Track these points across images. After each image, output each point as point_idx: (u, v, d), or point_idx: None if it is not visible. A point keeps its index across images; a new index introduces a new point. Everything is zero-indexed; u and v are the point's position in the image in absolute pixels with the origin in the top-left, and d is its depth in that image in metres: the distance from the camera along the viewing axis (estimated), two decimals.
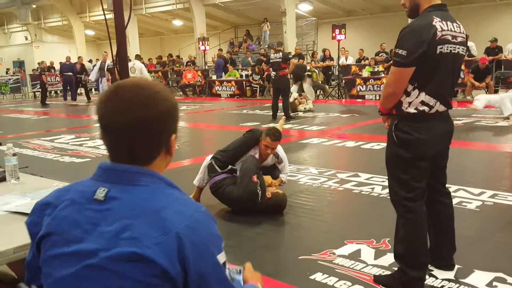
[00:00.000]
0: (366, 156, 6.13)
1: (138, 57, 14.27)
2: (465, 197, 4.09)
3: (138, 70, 12.82)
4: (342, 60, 14.89)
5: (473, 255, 2.95)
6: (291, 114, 10.23)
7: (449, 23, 2.36)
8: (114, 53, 2.23)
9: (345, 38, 13.97)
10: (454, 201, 3.93)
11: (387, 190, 4.07)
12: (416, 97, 2.39)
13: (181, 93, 17.91)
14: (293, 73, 11.14)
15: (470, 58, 12.40)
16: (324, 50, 16.10)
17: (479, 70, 10.88)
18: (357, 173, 5.07)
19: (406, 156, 2.45)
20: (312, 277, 2.74)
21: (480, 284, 2.57)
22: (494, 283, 2.58)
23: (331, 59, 15.19)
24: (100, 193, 1.05)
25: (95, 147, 7.27)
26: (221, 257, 1.03)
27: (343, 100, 13.68)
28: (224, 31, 24.43)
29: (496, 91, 11.44)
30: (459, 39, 2.40)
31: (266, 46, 18.86)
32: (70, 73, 16.68)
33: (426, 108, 2.39)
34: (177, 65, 19.44)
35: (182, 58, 20.38)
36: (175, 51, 23.12)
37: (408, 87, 2.38)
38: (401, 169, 2.49)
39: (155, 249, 0.96)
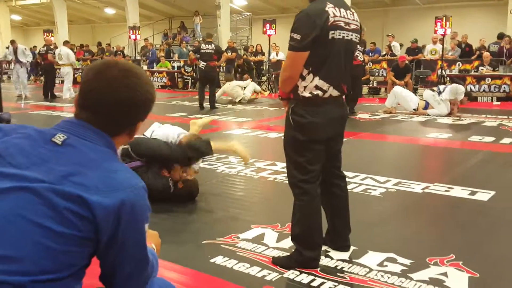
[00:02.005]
0: None
1: (66, 42, 13.67)
2: (371, 184, 4.27)
3: (64, 56, 12.26)
4: (273, 56, 15.05)
5: (369, 237, 3.07)
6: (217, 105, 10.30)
7: (342, 10, 2.43)
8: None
9: (275, 33, 14.13)
10: (360, 188, 4.14)
11: None
12: (311, 82, 2.44)
13: None
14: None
15: (392, 58, 13.00)
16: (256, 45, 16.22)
17: (399, 68, 11.40)
18: (274, 162, 5.14)
19: (301, 139, 2.51)
20: (212, 260, 2.73)
21: (371, 264, 2.67)
22: (385, 263, 2.69)
23: (263, 54, 15.33)
24: (59, 137, 1.13)
25: None
26: (146, 227, 1.16)
27: (273, 94, 13.86)
28: (158, 22, 23.94)
29: (415, 90, 12.06)
30: (352, 26, 2.48)
31: (200, 38, 18.69)
32: None
33: (320, 92, 2.46)
34: (107, 53, 18.78)
35: (113, 48, 19.73)
36: (107, 40, 22.33)
37: (303, 71, 2.44)
38: (297, 152, 2.55)
39: (99, 201, 1.05)
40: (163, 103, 11.77)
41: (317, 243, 2.62)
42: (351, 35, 2.47)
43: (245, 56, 14.81)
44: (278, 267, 2.63)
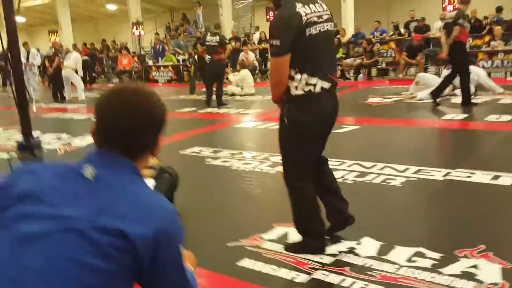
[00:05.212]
0: None
1: (75, 47, 13.60)
2: (390, 174, 4.20)
3: (73, 61, 12.13)
4: None
5: (394, 231, 3.02)
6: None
7: (311, 5, 2.56)
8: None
9: None
10: (379, 178, 4.09)
11: None
12: (300, 80, 2.54)
13: (117, 80, 17.35)
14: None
15: (400, 38, 12.82)
16: (260, 33, 16.05)
17: (411, 47, 11.21)
18: None
19: (299, 139, 2.61)
20: (239, 263, 2.71)
21: (400, 260, 2.63)
22: (414, 258, 2.64)
23: (267, 41, 15.15)
24: (88, 171, 1.14)
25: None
26: (182, 248, 1.20)
27: None
28: (160, 15, 23.81)
29: (425, 69, 11.89)
30: (325, 17, 2.58)
31: (203, 29, 18.53)
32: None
33: (311, 88, 2.55)
34: (112, 50, 18.73)
35: (117, 44, 19.67)
36: (111, 36, 22.29)
37: (291, 72, 2.52)
38: (295, 152, 2.65)
39: (138, 232, 1.07)
40: (171, 98, 11.73)
41: (320, 233, 2.75)
42: (326, 25, 2.58)
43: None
44: (293, 254, 2.74)
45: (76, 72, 11.97)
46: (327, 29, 2.58)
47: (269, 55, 15.26)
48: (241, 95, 10.75)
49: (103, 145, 1.22)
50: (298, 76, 2.53)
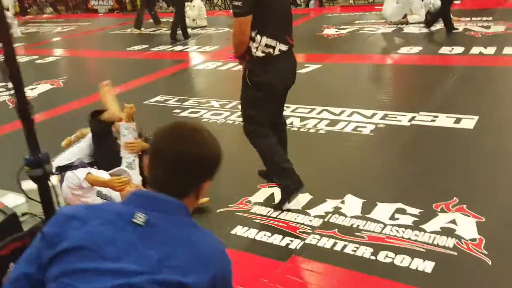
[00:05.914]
0: None
1: None
2: (360, 121, 4.32)
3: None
4: None
5: (374, 187, 3.18)
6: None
7: None
8: None
9: None
10: (350, 127, 4.23)
11: (300, 122, 4.34)
12: (260, 41, 2.72)
13: (51, 9, 16.10)
14: None
15: None
16: None
17: None
18: None
19: (259, 97, 2.84)
20: (233, 232, 2.78)
21: (384, 218, 2.79)
22: (396, 215, 2.81)
23: None
24: (140, 218, 1.11)
25: None
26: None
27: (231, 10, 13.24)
28: None
29: None
30: None
31: None
32: None
33: (271, 50, 2.75)
34: None
35: None
36: None
37: (252, 33, 2.71)
38: (254, 108, 2.89)
39: (196, 281, 1.07)
40: (116, 33, 11.09)
41: (288, 170, 2.95)
42: None
43: None
44: (283, 218, 2.87)
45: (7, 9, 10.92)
46: None
47: None
48: (193, 28, 10.30)
49: (155, 181, 1.19)
50: (258, 38, 2.71)
